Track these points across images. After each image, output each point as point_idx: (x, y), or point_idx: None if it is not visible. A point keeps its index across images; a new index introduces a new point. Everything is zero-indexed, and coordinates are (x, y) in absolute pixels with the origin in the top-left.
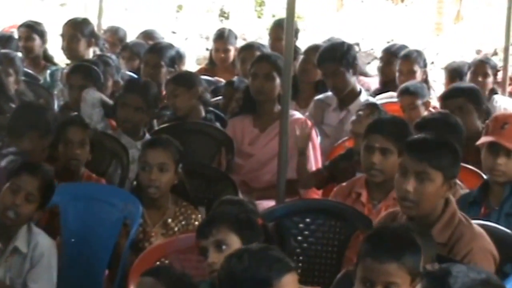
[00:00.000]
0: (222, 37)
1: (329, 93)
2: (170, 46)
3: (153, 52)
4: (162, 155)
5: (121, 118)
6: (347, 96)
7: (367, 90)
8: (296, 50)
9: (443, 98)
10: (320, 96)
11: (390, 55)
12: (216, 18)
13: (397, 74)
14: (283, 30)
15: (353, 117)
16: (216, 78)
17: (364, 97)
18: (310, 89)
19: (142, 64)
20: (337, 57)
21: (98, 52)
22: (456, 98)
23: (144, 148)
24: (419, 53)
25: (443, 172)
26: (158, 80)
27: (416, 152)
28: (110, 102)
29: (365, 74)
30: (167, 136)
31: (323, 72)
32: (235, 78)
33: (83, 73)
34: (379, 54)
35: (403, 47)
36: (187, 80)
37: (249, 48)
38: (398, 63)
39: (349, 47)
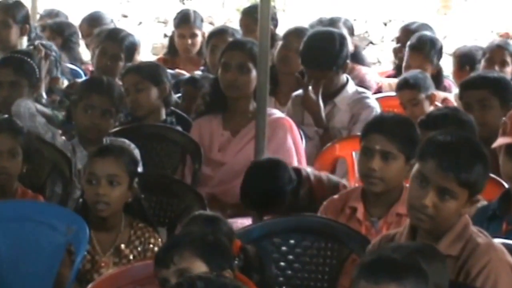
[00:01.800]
0: (187, 21)
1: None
2: (130, 34)
3: (114, 40)
4: (112, 166)
5: (83, 125)
6: (334, 88)
7: (362, 80)
8: (274, 37)
9: (462, 88)
10: (299, 91)
11: (409, 33)
12: None
13: (404, 64)
14: (254, 19)
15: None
16: (177, 70)
17: (351, 87)
18: (292, 82)
19: (92, 52)
20: (328, 63)
21: (34, 41)
22: (478, 89)
23: (91, 157)
24: (432, 42)
25: (470, 189)
26: (113, 75)
27: (444, 162)
28: (48, 111)
29: (367, 65)
30: (121, 141)
31: (309, 75)
32: (198, 72)
33: (14, 66)
34: (374, 37)
35: (424, 26)
36: (155, 74)
37: (220, 33)
38: (406, 53)
39: (342, 43)
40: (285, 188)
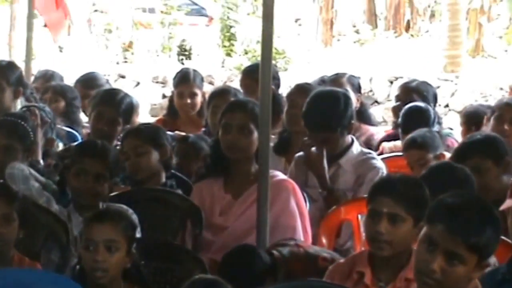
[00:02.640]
0: (186, 79)
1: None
2: (127, 95)
3: (110, 103)
4: (110, 231)
5: (77, 190)
6: (339, 149)
7: (369, 140)
8: (276, 97)
9: (455, 160)
10: (302, 152)
11: (409, 91)
12: (174, 58)
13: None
14: (255, 79)
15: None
16: (177, 132)
17: (357, 148)
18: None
19: (89, 115)
20: (332, 125)
21: (25, 102)
22: (471, 158)
23: (88, 222)
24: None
25: (480, 253)
26: (111, 139)
27: (453, 226)
28: (42, 178)
29: (375, 124)
30: (118, 206)
31: (312, 138)
32: (200, 133)
33: (8, 130)
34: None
35: (424, 84)
36: (155, 137)
37: (222, 93)
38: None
39: (346, 103)
40: (259, 276)
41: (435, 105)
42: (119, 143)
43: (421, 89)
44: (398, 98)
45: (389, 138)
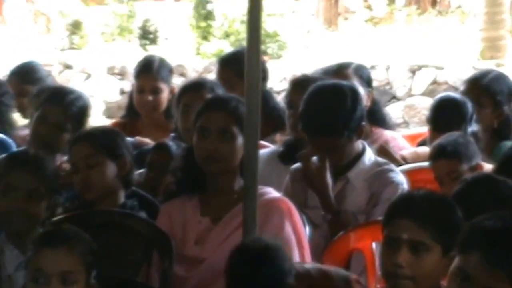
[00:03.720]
0: (148, 70)
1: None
2: (79, 95)
3: (58, 104)
4: (65, 259)
5: (6, 213)
6: (348, 160)
7: (384, 144)
8: (266, 97)
9: (497, 172)
10: (300, 164)
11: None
12: (135, 43)
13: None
14: (236, 71)
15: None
16: (138, 138)
17: (369, 157)
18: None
19: (29, 117)
20: (336, 127)
21: None
22: None
23: (37, 248)
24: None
25: None
26: (55, 148)
27: (491, 256)
28: None
29: (391, 127)
30: (71, 226)
31: (312, 144)
32: (169, 139)
33: None
34: (399, 90)
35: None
36: (111, 144)
37: (195, 88)
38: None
39: (355, 100)
40: (283, 282)
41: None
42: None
43: (495, 88)
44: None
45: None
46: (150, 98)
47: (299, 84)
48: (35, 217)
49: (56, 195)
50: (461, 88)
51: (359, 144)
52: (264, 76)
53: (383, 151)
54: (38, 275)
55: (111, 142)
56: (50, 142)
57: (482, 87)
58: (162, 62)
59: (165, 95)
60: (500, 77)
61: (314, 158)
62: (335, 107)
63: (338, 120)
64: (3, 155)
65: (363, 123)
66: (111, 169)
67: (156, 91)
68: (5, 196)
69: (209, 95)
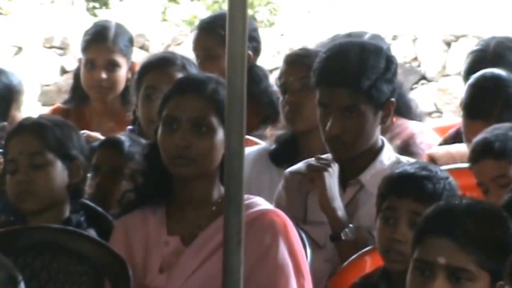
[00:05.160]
0: (101, 38)
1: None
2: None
3: None
4: None
5: None
6: (359, 158)
7: (407, 144)
8: (257, 77)
9: None
10: (297, 166)
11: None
12: (80, 6)
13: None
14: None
15: None
16: (87, 132)
17: (389, 155)
18: (316, 145)
19: None
20: (363, 82)
21: None
22: None
23: None
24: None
25: None
26: None
27: None
28: None
29: (418, 117)
30: None
31: (328, 106)
32: (125, 132)
33: None
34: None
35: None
36: (65, 142)
37: (161, 65)
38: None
39: (389, 61)
40: None
41: None
42: None
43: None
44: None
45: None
46: (104, 75)
47: (296, 62)
48: None
49: None
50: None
51: (378, 137)
52: (256, 48)
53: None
54: None
55: (65, 139)
56: None
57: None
58: (119, 28)
59: (122, 73)
60: None
61: (311, 161)
62: (365, 58)
63: (366, 72)
64: None
65: (393, 99)
66: (61, 174)
67: (112, 67)
68: None
69: (179, 75)
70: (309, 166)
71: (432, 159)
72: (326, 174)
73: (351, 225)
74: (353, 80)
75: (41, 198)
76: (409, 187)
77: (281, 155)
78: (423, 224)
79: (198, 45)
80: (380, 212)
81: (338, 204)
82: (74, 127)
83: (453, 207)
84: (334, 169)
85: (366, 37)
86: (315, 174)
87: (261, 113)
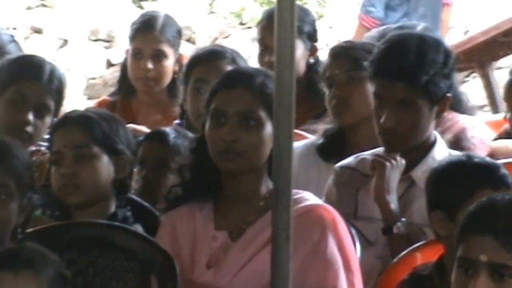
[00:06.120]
0: (149, 28)
1: (366, 153)
2: (54, 65)
3: (36, 79)
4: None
5: None
6: (412, 153)
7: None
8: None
9: None
10: (348, 160)
11: None
12: None
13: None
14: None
15: None
16: (133, 126)
17: (441, 150)
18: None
19: None
20: (420, 76)
21: None
22: None
23: None
24: None
25: None
26: (33, 136)
27: None
28: None
29: (469, 111)
30: (38, 248)
31: (382, 101)
32: (173, 125)
33: None
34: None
35: None
36: (112, 136)
37: (211, 58)
38: None
39: (449, 59)
40: None
41: None
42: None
43: None
44: None
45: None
46: (150, 65)
47: (341, 55)
48: (2, 223)
49: (30, 193)
50: None
51: (431, 132)
52: (312, 36)
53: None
54: None
55: (112, 132)
56: (24, 129)
57: None
58: (168, 19)
59: (169, 64)
60: None
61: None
62: (424, 51)
63: (424, 66)
64: None
65: (449, 94)
66: (107, 168)
67: (158, 57)
68: None
69: (228, 68)
70: (376, 155)
71: (492, 154)
72: (388, 165)
73: (403, 219)
74: (410, 74)
75: (86, 191)
76: None
77: (329, 149)
78: (466, 221)
79: (263, 32)
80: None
81: (393, 198)
82: (121, 121)
83: (495, 203)
84: (399, 164)
85: (418, 29)
86: (379, 163)
87: (311, 106)
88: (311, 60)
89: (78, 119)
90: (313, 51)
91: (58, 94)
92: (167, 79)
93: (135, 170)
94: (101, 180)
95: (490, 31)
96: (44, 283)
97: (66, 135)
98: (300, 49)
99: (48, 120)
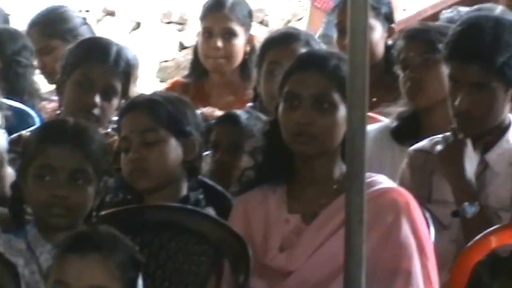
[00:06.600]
0: (219, 6)
1: (440, 136)
2: (123, 47)
3: (101, 60)
4: (95, 271)
5: (39, 202)
6: (486, 136)
7: None
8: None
9: None
10: (422, 143)
11: None
12: None
13: None
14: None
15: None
16: (207, 109)
17: None
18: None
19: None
20: (495, 58)
21: None
22: None
23: (60, 255)
24: None
25: None
26: (101, 120)
27: None
28: None
29: None
30: (111, 231)
31: (454, 87)
32: (246, 107)
33: None
34: None
35: None
36: (179, 116)
37: (285, 41)
38: None
39: None
40: None
41: None
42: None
43: None
44: None
45: None
46: (220, 43)
47: (416, 37)
48: (79, 207)
49: (106, 177)
50: None
51: (506, 115)
52: (388, 18)
53: None
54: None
55: (178, 115)
56: (92, 113)
57: None
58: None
59: (240, 43)
60: None
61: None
62: (499, 34)
63: (500, 48)
64: (33, 128)
65: None
66: (175, 151)
67: (229, 35)
68: (39, 180)
69: (302, 51)
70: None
71: None
72: (468, 146)
73: (477, 202)
74: (486, 57)
75: (155, 176)
76: None
77: (403, 132)
78: None
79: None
80: None
81: (470, 180)
82: (188, 102)
83: None
84: (469, 148)
85: (496, 11)
86: (458, 144)
87: (385, 89)
88: (389, 42)
89: (143, 104)
90: (390, 32)
91: (125, 76)
92: (238, 58)
93: (209, 153)
94: (169, 163)
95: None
96: (112, 267)
97: (132, 120)
98: (378, 31)
99: (116, 102)
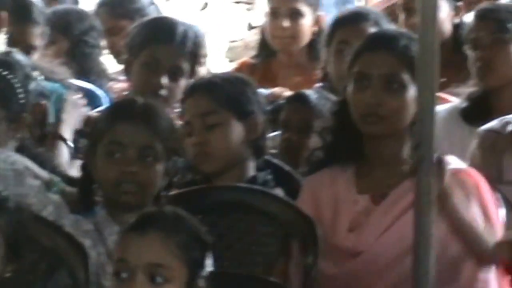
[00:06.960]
0: None
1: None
2: (191, 26)
3: (169, 42)
4: (156, 250)
5: (108, 180)
6: None
7: None
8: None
9: None
10: (492, 124)
11: None
12: None
13: None
14: None
15: None
16: (276, 90)
17: None
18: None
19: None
20: None
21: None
22: None
23: (124, 235)
24: None
25: None
26: (168, 100)
27: None
28: (43, 173)
29: None
30: (177, 211)
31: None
32: (316, 87)
33: None
34: None
35: None
36: (239, 97)
37: (355, 20)
38: None
39: None
40: None
41: None
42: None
43: None
44: None
45: None
46: (286, 23)
47: (487, 16)
48: (149, 184)
49: (175, 156)
50: None
51: None
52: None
53: None
54: (122, 268)
55: (238, 95)
56: (159, 93)
57: None
58: None
59: (306, 22)
60: None
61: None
62: None
63: None
64: (103, 107)
65: None
66: (237, 131)
67: (295, 15)
68: (109, 157)
69: (372, 30)
70: None
71: None
72: None
73: None
74: None
75: (218, 158)
76: None
77: (473, 113)
78: None
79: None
80: None
81: None
82: (249, 81)
83: None
84: None
85: None
86: None
87: (456, 69)
88: (456, 21)
89: (202, 87)
90: (457, 11)
91: (193, 56)
92: (305, 38)
93: (279, 133)
94: (232, 144)
95: None
96: (173, 246)
97: (193, 104)
98: (444, 10)
99: (183, 82)
